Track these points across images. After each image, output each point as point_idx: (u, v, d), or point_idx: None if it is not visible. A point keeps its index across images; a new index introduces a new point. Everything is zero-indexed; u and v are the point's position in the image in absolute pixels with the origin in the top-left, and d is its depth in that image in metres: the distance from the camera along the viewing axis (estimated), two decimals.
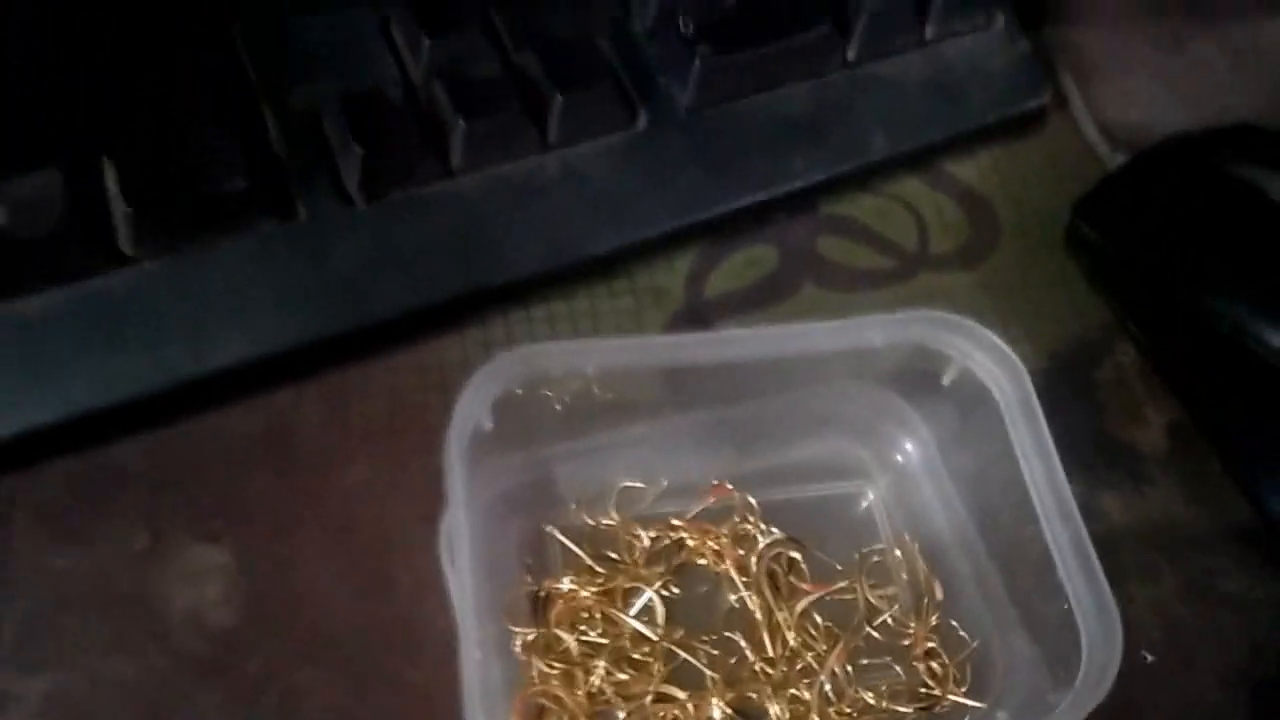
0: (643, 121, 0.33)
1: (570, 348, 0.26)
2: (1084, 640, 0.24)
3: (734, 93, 0.34)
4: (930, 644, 0.28)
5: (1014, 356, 0.27)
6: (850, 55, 0.35)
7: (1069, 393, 0.33)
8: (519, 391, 0.26)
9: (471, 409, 0.25)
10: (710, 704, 0.26)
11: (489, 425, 0.26)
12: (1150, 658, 0.29)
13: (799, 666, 0.27)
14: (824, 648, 0.27)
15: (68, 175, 0.29)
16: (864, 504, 0.30)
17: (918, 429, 0.30)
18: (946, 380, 0.28)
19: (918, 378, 0.29)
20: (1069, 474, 0.26)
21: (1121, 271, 0.34)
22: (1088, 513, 0.26)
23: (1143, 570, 0.30)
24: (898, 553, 0.29)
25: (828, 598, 0.28)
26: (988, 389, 0.27)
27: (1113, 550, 0.26)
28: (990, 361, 0.27)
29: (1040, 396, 0.27)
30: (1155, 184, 0.34)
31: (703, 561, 0.29)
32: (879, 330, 0.27)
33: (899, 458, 0.30)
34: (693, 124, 0.34)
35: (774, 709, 0.26)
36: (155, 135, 0.30)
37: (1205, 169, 0.34)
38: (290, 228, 0.30)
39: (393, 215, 0.31)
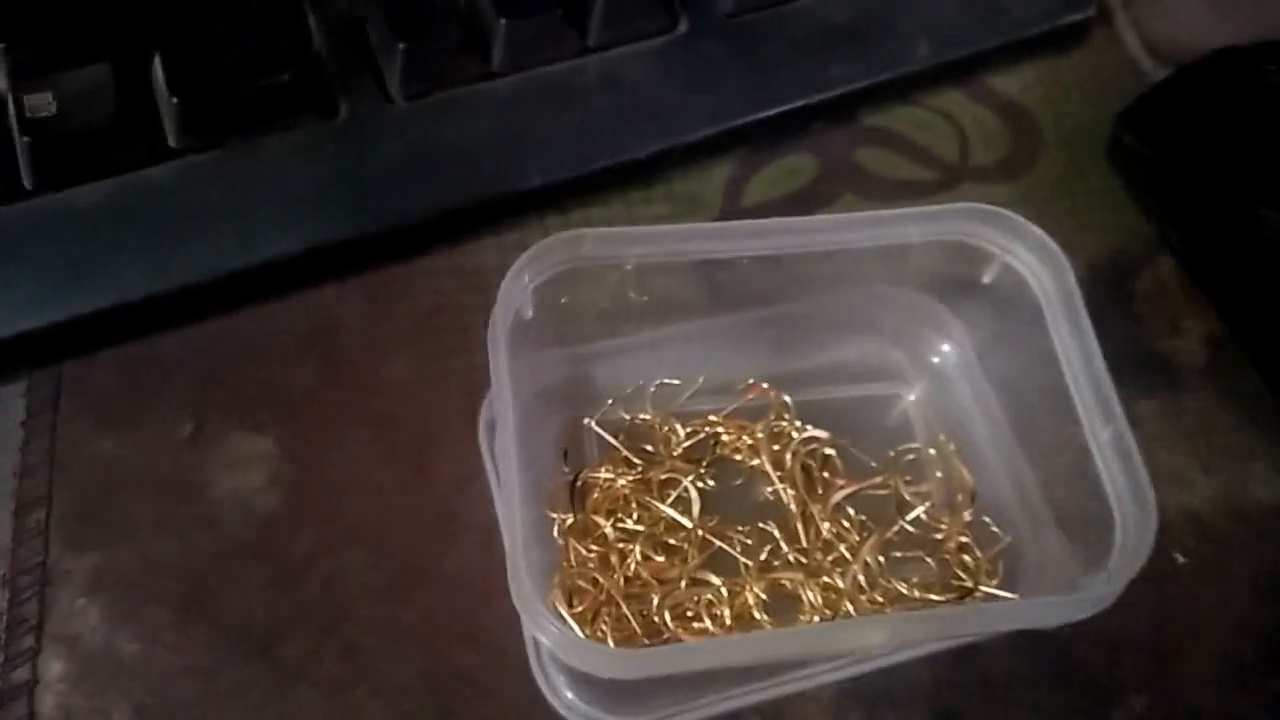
0: (683, 25, 0.33)
1: (610, 234, 0.26)
2: (1117, 521, 0.24)
3: None
4: (963, 539, 0.28)
5: (1057, 249, 0.27)
6: None
7: (1108, 303, 0.33)
8: (559, 287, 0.26)
9: (515, 291, 0.25)
10: (744, 589, 0.26)
11: (529, 313, 0.26)
12: (1182, 559, 0.29)
13: (832, 557, 0.27)
14: (857, 539, 0.28)
15: (117, 69, 0.29)
16: (899, 406, 0.30)
17: (955, 332, 0.30)
18: (987, 278, 0.28)
19: (956, 280, 0.29)
20: None
21: (1164, 181, 0.33)
22: None
23: (1177, 476, 0.30)
24: (932, 452, 0.29)
25: (862, 493, 0.28)
26: (1029, 285, 0.27)
27: (1148, 457, 0.25)
28: (1032, 256, 0.27)
29: None
30: (1201, 94, 0.34)
31: (738, 456, 0.29)
32: (918, 222, 0.27)
33: (935, 360, 0.31)
34: (733, 29, 0.34)
35: (807, 595, 0.26)
36: (202, 32, 0.30)
37: (1251, 80, 0.33)
38: (333, 125, 0.31)
39: (433, 115, 0.31)
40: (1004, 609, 0.26)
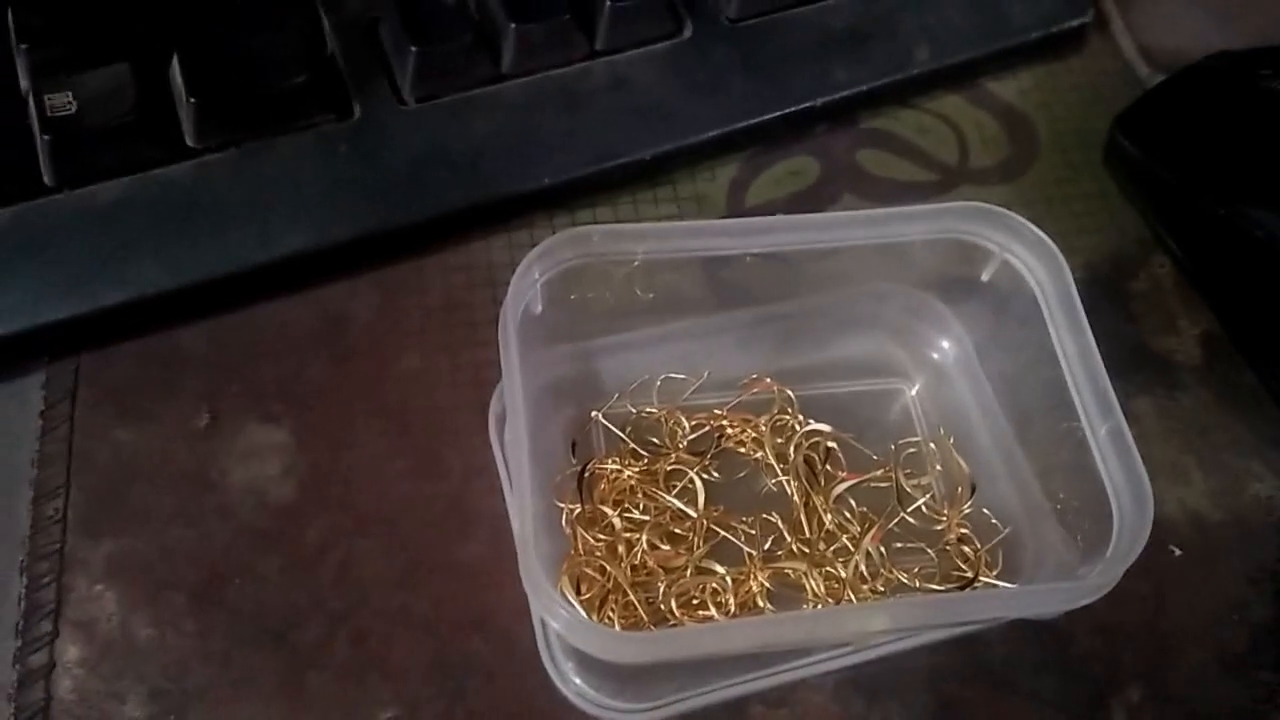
0: (688, 30, 0.34)
1: (616, 230, 0.26)
2: (1115, 513, 0.24)
3: (778, 3, 0.35)
4: (963, 530, 0.28)
5: (1054, 247, 0.27)
6: None
7: (1105, 303, 0.33)
8: (568, 283, 0.27)
9: (525, 286, 0.26)
10: (748, 578, 0.27)
11: (539, 309, 0.27)
12: (1178, 551, 0.30)
13: (834, 547, 0.28)
14: (858, 530, 0.28)
15: (136, 70, 0.30)
16: (900, 401, 0.31)
17: (955, 329, 0.31)
18: (985, 276, 0.29)
19: (955, 278, 0.30)
20: None
21: (1159, 184, 0.34)
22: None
23: (1173, 472, 0.31)
24: (932, 446, 0.30)
25: (863, 485, 0.29)
26: (1026, 283, 0.28)
27: (1144, 453, 0.26)
28: (1030, 254, 0.28)
29: None
30: (1195, 99, 0.34)
31: (742, 449, 0.30)
32: (918, 220, 0.28)
33: (935, 356, 0.31)
34: (737, 34, 0.34)
35: (810, 584, 0.27)
36: (219, 34, 0.31)
37: (1245, 85, 0.34)
38: (346, 125, 0.31)
39: (444, 116, 0.32)
40: (1002, 595, 0.26)
